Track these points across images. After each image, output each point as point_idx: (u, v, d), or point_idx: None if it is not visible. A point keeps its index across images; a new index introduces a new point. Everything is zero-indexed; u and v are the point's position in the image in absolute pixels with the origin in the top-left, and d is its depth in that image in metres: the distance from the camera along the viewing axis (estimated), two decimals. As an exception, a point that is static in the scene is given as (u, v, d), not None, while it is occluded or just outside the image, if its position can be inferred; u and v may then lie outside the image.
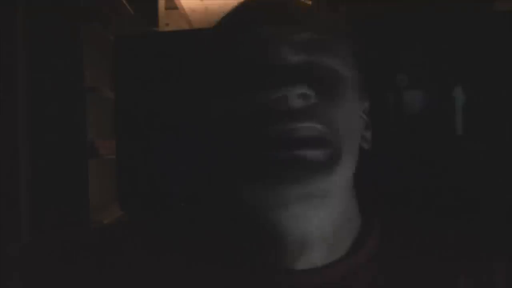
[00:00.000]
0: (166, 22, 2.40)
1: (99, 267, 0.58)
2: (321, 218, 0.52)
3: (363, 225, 0.57)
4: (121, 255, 0.58)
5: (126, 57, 0.71)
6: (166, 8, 2.42)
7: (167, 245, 0.58)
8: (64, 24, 1.53)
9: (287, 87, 0.48)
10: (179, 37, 0.73)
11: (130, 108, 0.71)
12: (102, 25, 1.79)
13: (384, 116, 0.65)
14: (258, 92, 0.49)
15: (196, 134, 0.65)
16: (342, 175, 0.51)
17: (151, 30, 2.11)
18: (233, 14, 0.56)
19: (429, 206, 0.63)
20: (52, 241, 0.72)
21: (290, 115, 0.48)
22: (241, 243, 0.56)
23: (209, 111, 0.56)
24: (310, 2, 0.57)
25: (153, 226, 0.62)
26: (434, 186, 0.65)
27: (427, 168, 0.65)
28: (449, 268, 0.54)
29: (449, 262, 0.54)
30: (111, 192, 0.72)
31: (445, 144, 0.65)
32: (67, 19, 1.53)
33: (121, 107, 0.71)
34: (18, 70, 1.45)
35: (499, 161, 0.65)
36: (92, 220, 1.54)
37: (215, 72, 0.55)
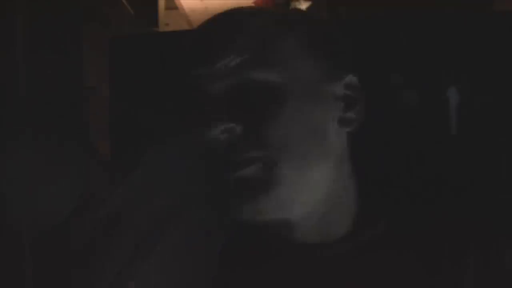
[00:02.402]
0: (166, 22, 2.40)
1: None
2: (301, 214, 0.54)
3: (363, 209, 0.57)
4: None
5: (122, 58, 0.71)
6: (166, 8, 2.41)
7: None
8: (64, 24, 1.53)
9: (209, 126, 0.50)
10: (175, 37, 0.73)
11: (125, 109, 0.71)
12: (102, 25, 1.78)
13: (385, 114, 0.65)
14: (192, 129, 0.53)
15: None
16: (301, 182, 0.52)
17: (151, 30, 2.11)
18: (182, 50, 0.57)
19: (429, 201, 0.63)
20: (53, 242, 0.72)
21: (223, 149, 0.51)
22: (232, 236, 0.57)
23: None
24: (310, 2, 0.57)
25: None
26: (433, 183, 0.65)
27: (428, 166, 0.65)
28: (452, 257, 0.54)
29: (452, 251, 0.55)
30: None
31: (445, 143, 0.65)
32: (67, 19, 1.53)
33: (116, 107, 0.71)
34: (18, 70, 1.45)
35: (500, 160, 0.65)
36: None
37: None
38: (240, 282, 0.55)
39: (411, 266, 0.54)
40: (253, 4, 1.39)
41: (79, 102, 1.54)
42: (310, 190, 0.53)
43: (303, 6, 0.54)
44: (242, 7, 0.56)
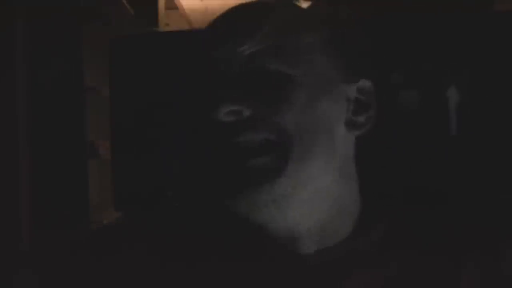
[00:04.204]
0: (166, 22, 2.40)
1: (98, 266, 0.58)
2: (301, 215, 0.53)
3: (364, 211, 0.57)
4: (120, 254, 0.58)
5: (122, 58, 0.71)
6: (166, 8, 2.41)
7: (164, 244, 0.58)
8: (64, 24, 1.53)
9: (216, 106, 0.50)
10: (174, 37, 0.73)
11: (125, 109, 0.71)
12: (102, 25, 1.79)
13: (386, 113, 0.64)
14: (199, 109, 0.53)
15: (189, 133, 0.65)
16: (302, 176, 0.51)
17: (151, 30, 2.11)
18: (203, 31, 0.58)
19: (427, 203, 0.63)
20: (53, 241, 0.72)
21: (227, 130, 0.51)
22: (236, 238, 0.56)
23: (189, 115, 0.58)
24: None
25: (150, 225, 0.62)
26: (433, 184, 0.65)
27: (428, 166, 0.65)
28: (452, 258, 0.54)
29: (452, 253, 0.54)
30: (111, 192, 0.72)
31: (445, 143, 0.65)
32: (67, 19, 1.53)
33: (116, 107, 0.71)
34: (18, 70, 1.45)
35: (501, 161, 0.65)
36: (92, 220, 1.54)
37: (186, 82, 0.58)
38: None
39: (410, 270, 0.54)
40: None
41: (79, 102, 1.54)
42: (314, 187, 0.53)
43: (303, 5, 0.54)
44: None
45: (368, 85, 0.57)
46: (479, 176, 0.65)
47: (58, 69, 1.50)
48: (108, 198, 0.74)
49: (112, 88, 0.72)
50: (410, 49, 0.66)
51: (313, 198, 0.53)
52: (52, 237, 1.37)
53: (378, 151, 0.59)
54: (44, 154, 1.48)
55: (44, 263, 0.64)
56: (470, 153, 0.65)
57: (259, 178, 0.50)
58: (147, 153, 0.70)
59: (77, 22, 1.55)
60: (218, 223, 0.58)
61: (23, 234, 1.43)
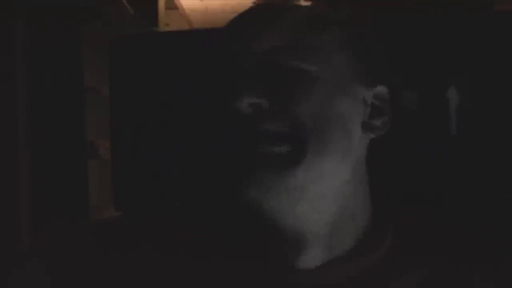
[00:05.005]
0: (166, 22, 2.40)
1: (99, 266, 0.58)
2: (310, 213, 0.53)
3: (373, 222, 0.57)
4: (121, 254, 0.58)
5: (122, 58, 0.71)
6: (166, 8, 2.41)
7: (164, 244, 0.58)
8: (64, 24, 1.53)
9: (236, 98, 0.52)
10: (174, 37, 0.74)
11: (126, 109, 0.71)
12: (102, 25, 1.79)
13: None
14: (219, 101, 0.54)
15: (190, 133, 0.66)
16: (316, 170, 0.52)
17: (151, 30, 2.11)
18: (222, 29, 0.59)
19: (432, 206, 0.63)
20: (53, 241, 0.72)
21: (247, 121, 0.52)
22: (240, 240, 0.56)
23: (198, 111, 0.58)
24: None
25: (150, 225, 0.62)
26: (435, 186, 0.65)
27: (430, 168, 0.65)
28: (464, 269, 0.54)
29: (463, 263, 0.54)
30: (111, 192, 0.72)
31: (446, 144, 0.65)
32: (67, 19, 1.53)
33: (116, 107, 0.71)
34: (18, 70, 1.45)
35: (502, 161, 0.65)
36: (92, 220, 1.54)
37: (198, 76, 0.60)
38: None
39: (425, 280, 0.53)
40: (252, 4, 1.39)
41: (79, 102, 1.54)
42: (326, 184, 0.53)
43: (303, 5, 0.55)
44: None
45: (384, 91, 0.58)
46: (480, 177, 0.65)
47: (58, 69, 1.50)
48: (108, 198, 0.74)
49: (112, 88, 0.72)
50: (410, 49, 0.66)
51: (324, 196, 0.53)
52: (52, 237, 1.37)
53: (384, 153, 0.59)
54: (44, 154, 1.49)
55: (44, 263, 0.64)
56: (471, 153, 0.65)
57: (272, 163, 0.50)
58: (147, 153, 0.70)
59: (77, 22, 1.55)
60: (220, 223, 0.59)
61: (23, 234, 1.43)
